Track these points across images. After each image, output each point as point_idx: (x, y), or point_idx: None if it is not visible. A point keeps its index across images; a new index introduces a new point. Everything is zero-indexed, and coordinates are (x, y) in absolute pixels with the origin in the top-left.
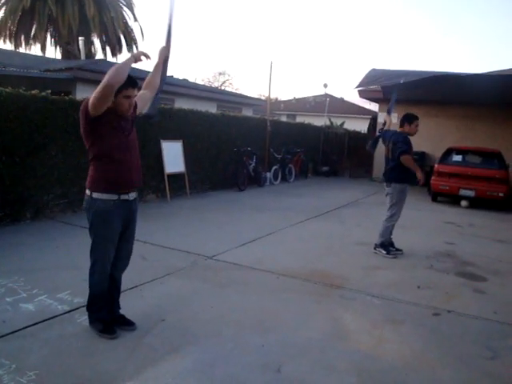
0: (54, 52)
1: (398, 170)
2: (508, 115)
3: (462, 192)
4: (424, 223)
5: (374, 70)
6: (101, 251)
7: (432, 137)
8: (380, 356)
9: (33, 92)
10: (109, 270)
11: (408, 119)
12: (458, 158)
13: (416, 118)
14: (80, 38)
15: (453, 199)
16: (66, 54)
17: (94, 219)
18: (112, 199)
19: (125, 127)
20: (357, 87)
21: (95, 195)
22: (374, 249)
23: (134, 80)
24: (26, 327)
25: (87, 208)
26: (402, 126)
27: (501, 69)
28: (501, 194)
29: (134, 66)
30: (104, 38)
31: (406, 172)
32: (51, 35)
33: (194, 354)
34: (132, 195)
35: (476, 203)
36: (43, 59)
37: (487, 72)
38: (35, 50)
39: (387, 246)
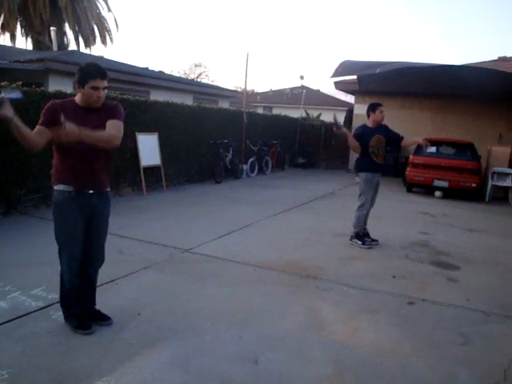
0: (24, 42)
1: (361, 159)
2: (480, 108)
3: (436, 183)
4: (399, 213)
5: (347, 61)
6: (62, 244)
7: (407, 128)
8: (356, 345)
9: (2, 84)
10: (76, 265)
11: (372, 107)
12: (431, 149)
13: (379, 104)
14: (52, 29)
15: (427, 190)
16: (38, 45)
17: (53, 212)
18: (67, 190)
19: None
20: (331, 77)
21: (56, 187)
22: (350, 240)
23: (102, 71)
24: None
25: (52, 201)
26: (368, 116)
27: (477, 61)
28: (473, 185)
29: (108, 57)
30: (77, 29)
31: (369, 162)
32: (21, 25)
33: (171, 348)
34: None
35: (449, 194)
36: (13, 50)
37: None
38: (4, 40)
39: (362, 236)
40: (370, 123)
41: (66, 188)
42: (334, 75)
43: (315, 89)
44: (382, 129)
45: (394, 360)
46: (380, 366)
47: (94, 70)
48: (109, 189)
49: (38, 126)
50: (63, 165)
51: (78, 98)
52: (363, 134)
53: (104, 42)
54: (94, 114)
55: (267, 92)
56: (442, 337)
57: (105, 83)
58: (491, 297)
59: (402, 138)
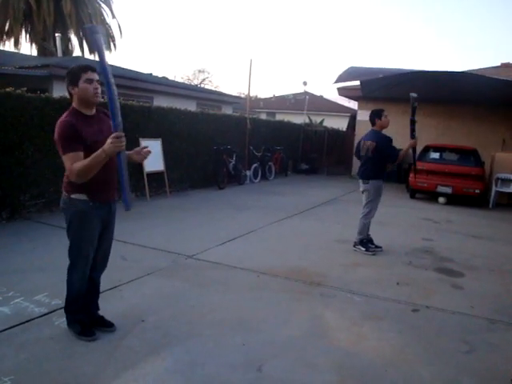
0: (29, 49)
1: (374, 166)
2: (483, 114)
3: (440, 189)
4: (403, 220)
5: (352, 67)
6: (80, 253)
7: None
8: (360, 353)
9: (7, 89)
10: (88, 272)
11: (377, 114)
12: (435, 155)
13: (382, 110)
14: (57, 35)
15: (431, 196)
16: (42, 51)
17: (72, 220)
18: (90, 200)
19: (100, 138)
20: (335, 82)
21: (74, 196)
22: (354, 246)
23: (90, 65)
24: (2, 331)
25: (65, 208)
26: (374, 123)
27: (480, 67)
28: (477, 191)
29: (112, 63)
30: (81, 35)
31: (382, 169)
32: (26, 31)
33: (174, 355)
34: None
35: (453, 200)
36: (18, 56)
37: (466, 70)
38: (9, 46)
39: (366, 243)
40: (377, 129)
41: (88, 198)
42: (338, 81)
43: (318, 95)
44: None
45: (398, 368)
46: (384, 373)
47: (82, 65)
48: None
49: (73, 154)
50: (91, 178)
51: (77, 106)
52: (386, 139)
53: (108, 48)
54: (98, 120)
55: (270, 98)
56: (447, 344)
57: (96, 76)
58: (496, 304)
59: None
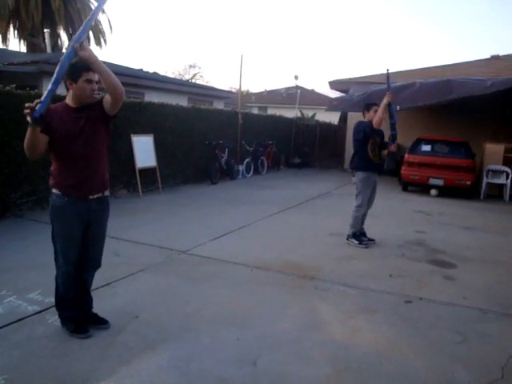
0: (18, 45)
1: (359, 158)
2: (473, 106)
3: (432, 181)
4: (395, 212)
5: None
6: (58, 248)
7: (401, 127)
8: (354, 345)
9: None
10: (72, 269)
11: (366, 107)
12: (427, 147)
13: (373, 104)
14: (45, 31)
15: (423, 188)
16: (31, 47)
17: (50, 214)
18: (66, 195)
19: (78, 133)
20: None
21: (53, 190)
22: (347, 239)
23: None
24: None
25: (49, 204)
26: (363, 115)
27: (470, 60)
28: (468, 183)
29: (102, 59)
30: (70, 31)
31: (368, 160)
32: (14, 27)
33: (169, 351)
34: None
35: (445, 192)
36: (6, 52)
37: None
38: None
39: (359, 236)
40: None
41: (61, 193)
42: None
43: (310, 89)
44: (379, 131)
45: (392, 359)
46: (378, 365)
47: (87, 64)
48: (108, 193)
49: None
50: (63, 173)
51: (69, 99)
52: (369, 129)
53: (98, 43)
54: (82, 113)
55: (262, 92)
56: (440, 335)
57: (97, 77)
58: (488, 294)
59: (386, 145)
